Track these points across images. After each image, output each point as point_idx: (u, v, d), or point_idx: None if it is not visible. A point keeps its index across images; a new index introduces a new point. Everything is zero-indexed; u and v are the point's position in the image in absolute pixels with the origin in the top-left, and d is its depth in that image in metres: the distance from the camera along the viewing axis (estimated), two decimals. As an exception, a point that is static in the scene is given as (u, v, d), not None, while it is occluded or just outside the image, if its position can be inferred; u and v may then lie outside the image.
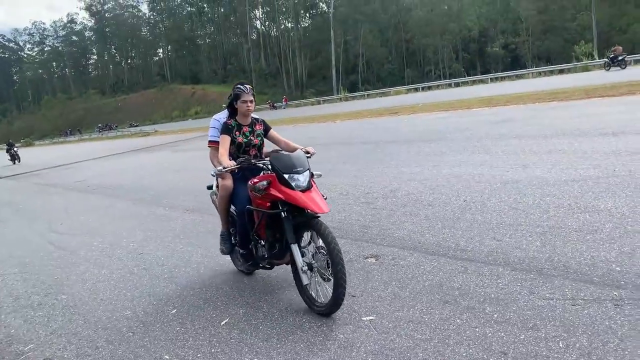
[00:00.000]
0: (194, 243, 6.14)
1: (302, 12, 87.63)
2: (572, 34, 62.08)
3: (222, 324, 3.75)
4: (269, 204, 3.69)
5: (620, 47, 32.86)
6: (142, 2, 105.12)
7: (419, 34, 74.84)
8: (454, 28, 71.90)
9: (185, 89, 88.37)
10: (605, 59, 33.49)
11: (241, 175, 4.20)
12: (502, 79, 45.89)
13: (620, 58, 31.03)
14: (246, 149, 4.29)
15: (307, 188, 3.54)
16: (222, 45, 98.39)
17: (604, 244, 4.06)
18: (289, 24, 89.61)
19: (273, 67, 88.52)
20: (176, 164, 16.18)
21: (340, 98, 53.70)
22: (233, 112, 4.32)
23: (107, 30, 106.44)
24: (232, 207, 4.32)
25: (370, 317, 3.45)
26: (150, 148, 26.11)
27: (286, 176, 3.53)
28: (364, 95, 54.90)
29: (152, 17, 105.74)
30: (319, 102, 55.19)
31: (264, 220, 3.84)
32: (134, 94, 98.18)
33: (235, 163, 3.94)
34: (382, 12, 76.76)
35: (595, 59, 40.11)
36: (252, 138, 4.30)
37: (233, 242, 4.54)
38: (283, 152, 4.05)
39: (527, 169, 7.13)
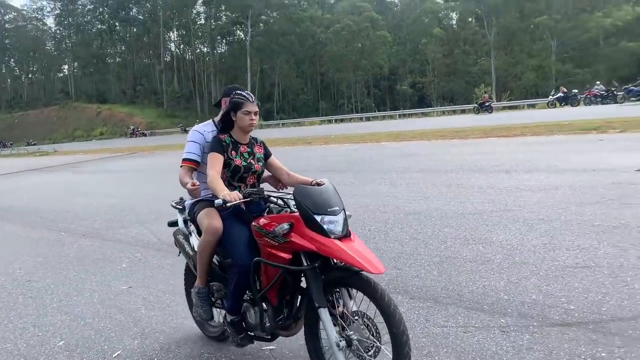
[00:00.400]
0: (89, 270, 5.77)
1: (218, 37, 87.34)
2: (473, 77, 66.77)
3: (114, 356, 3.52)
4: (289, 256, 2.70)
5: (487, 95, 39.65)
6: (48, 16, 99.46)
7: (333, 68, 77.11)
8: (366, 65, 74.84)
9: (91, 108, 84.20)
10: (475, 104, 38.70)
11: (232, 211, 3.05)
12: (410, 115, 48.31)
13: (487, 104, 36.44)
14: (244, 175, 3.21)
15: (345, 235, 2.62)
16: (132, 65, 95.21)
17: (494, 274, 4.31)
18: (205, 49, 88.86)
19: (186, 90, 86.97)
20: (76, 186, 15.27)
21: (261, 125, 53.74)
22: (226, 125, 3.27)
23: (6, 42, 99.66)
24: (216, 257, 3.27)
25: (271, 347, 3.40)
26: (49, 168, 24.48)
27: (318, 218, 2.59)
28: (279, 124, 55.35)
29: (58, 31, 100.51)
30: (233, 129, 54.74)
31: (280, 279, 2.80)
32: (33, 110, 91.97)
33: (239, 195, 2.83)
34: (298, 45, 78.35)
35: (494, 101, 43.35)
36: (252, 162, 3.25)
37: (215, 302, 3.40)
38: (306, 185, 2.98)
39: (428, 201, 7.47)
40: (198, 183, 3.05)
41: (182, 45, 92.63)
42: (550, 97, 35.91)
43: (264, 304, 2.95)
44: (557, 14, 60.77)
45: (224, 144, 3.18)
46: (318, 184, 2.96)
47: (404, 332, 2.40)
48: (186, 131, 55.81)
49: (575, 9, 61.74)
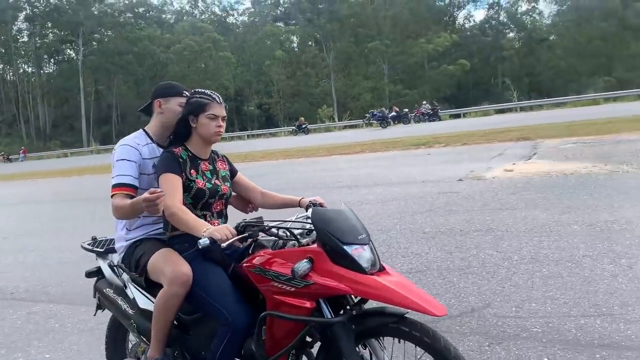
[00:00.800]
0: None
1: (45, 56, 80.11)
2: (316, 99, 69.71)
3: None
4: (312, 305, 2.01)
5: (303, 118, 44.19)
6: None
7: (176, 88, 75.08)
8: (210, 85, 73.85)
9: None
10: (293, 127, 43.19)
11: (197, 251, 2.25)
12: (258, 136, 48.88)
13: (303, 126, 41.33)
14: (209, 201, 2.46)
15: (380, 269, 2.03)
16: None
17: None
18: (30, 69, 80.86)
19: (8, 114, 77.96)
20: None
21: (92, 150, 50.06)
22: (180, 136, 2.49)
23: None
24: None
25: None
26: None
27: (348, 249, 1.97)
28: (119, 148, 52.23)
29: None
30: (65, 155, 50.49)
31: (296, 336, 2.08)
32: None
33: (231, 229, 2.11)
34: (137, 64, 75.04)
35: (335, 121, 45.75)
36: (217, 182, 2.51)
37: None
38: (322, 207, 2.43)
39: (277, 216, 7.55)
40: (160, 190, 2.15)
41: (1, 65, 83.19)
42: (367, 115, 39.89)
43: None
44: (386, 39, 66.19)
45: (180, 160, 2.40)
46: (320, 204, 2.44)
47: None
48: (9, 160, 50.02)
49: (402, 35, 67.82)
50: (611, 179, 7.99)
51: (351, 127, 43.26)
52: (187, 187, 2.38)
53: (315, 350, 2.26)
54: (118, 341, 2.91)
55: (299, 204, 2.63)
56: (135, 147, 2.54)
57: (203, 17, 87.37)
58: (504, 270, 4.45)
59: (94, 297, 2.83)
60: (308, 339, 2.18)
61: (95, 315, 2.97)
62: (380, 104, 60.58)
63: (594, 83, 47.37)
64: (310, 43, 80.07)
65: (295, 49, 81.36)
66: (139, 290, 2.52)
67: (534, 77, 62.33)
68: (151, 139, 2.64)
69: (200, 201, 2.43)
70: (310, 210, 2.25)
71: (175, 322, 2.41)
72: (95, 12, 74.78)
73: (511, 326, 3.39)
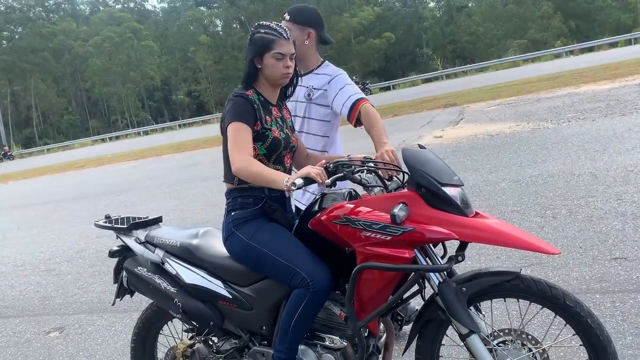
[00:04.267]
0: None
1: (-51, 59, 74.46)
2: (245, 82, 68.87)
3: None
4: (411, 254, 1.79)
5: (6, 147, 46.60)
6: None
7: (99, 82, 71.78)
8: (135, 77, 71.41)
9: None
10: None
11: (260, 209, 2.12)
12: (190, 124, 47.63)
13: (8, 154, 43.66)
14: (282, 152, 2.20)
15: (473, 212, 1.84)
16: None
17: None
18: None
19: None
20: None
21: (13, 155, 47.27)
22: (250, 78, 2.19)
23: None
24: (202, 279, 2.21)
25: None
26: None
27: (447, 190, 1.79)
28: (44, 150, 49.60)
29: None
30: (-15, 162, 47.41)
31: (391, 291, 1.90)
32: None
33: (322, 170, 1.88)
34: (54, 61, 71.10)
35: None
36: (288, 132, 2.24)
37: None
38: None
39: (215, 208, 7.46)
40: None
41: None
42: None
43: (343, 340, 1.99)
44: (311, 16, 65.98)
45: (255, 106, 2.11)
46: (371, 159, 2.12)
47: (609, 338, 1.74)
48: None
49: (326, 11, 67.73)
50: (533, 136, 8.41)
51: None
52: (262, 135, 2.11)
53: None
54: (147, 342, 2.54)
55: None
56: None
57: (118, 6, 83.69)
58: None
59: (115, 282, 2.52)
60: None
61: (113, 304, 2.60)
62: (311, 82, 60.70)
63: (509, 46, 49.29)
64: (234, 25, 78.54)
65: (220, 33, 79.60)
66: (181, 265, 2.26)
67: (456, 45, 64.06)
68: None
69: (275, 152, 2.16)
70: (401, 150, 1.93)
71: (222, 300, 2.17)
72: (2, 8, 70.01)
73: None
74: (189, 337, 2.41)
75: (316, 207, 2.01)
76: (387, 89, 40.49)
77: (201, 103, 75.03)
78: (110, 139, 49.15)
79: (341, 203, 1.92)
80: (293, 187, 1.80)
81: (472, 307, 1.86)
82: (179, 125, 48.43)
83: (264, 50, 2.10)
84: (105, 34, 69.22)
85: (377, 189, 1.95)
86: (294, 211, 2.36)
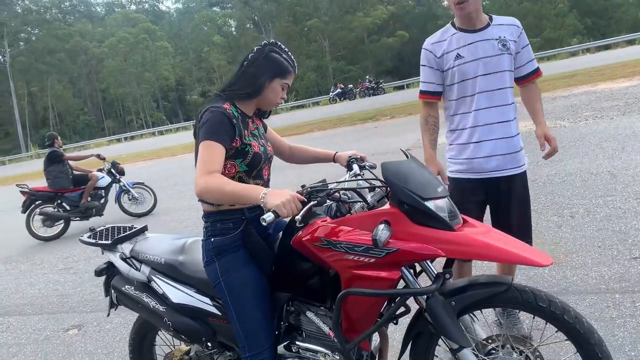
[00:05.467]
0: None
1: (-32, 61, 75.69)
2: (261, 82, 69.06)
3: None
4: (397, 274, 1.72)
5: None
6: None
7: (114, 83, 72.53)
8: (150, 77, 72.01)
9: None
10: None
11: (239, 234, 2.03)
12: (204, 124, 47.83)
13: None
14: (262, 166, 2.10)
15: (460, 222, 1.78)
16: None
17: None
18: (-46, 75, 76.20)
19: (-64, 125, 73.70)
20: None
21: (32, 156, 47.94)
22: (256, 94, 2.06)
23: None
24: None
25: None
26: None
27: (430, 205, 1.70)
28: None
29: None
30: (3, 163, 48.12)
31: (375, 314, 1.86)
32: None
33: (297, 198, 1.75)
34: (70, 62, 71.95)
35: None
36: (264, 143, 2.16)
37: None
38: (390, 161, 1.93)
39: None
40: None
41: None
42: (331, 93, 38.97)
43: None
44: (325, 16, 65.93)
45: (233, 121, 1.96)
46: (362, 158, 2.17)
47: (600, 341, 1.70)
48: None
49: (340, 11, 67.67)
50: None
51: (297, 107, 43.13)
52: (242, 152, 1.99)
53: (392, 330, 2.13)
54: (145, 351, 2.57)
55: (333, 159, 2.38)
56: (429, 49, 2.60)
57: (133, 7, 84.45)
58: (456, 233, 4.58)
59: (106, 296, 2.47)
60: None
61: (108, 315, 2.60)
62: (325, 81, 60.67)
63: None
64: (248, 25, 78.80)
65: (234, 33, 79.98)
66: (168, 284, 2.20)
67: (471, 43, 63.68)
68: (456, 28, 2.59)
69: (256, 168, 2.05)
70: (381, 165, 1.87)
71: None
72: (19, 10, 70.96)
73: (466, 285, 3.51)
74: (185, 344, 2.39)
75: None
76: (401, 88, 40.32)
77: (215, 103, 75.32)
78: (126, 139, 49.54)
79: (318, 221, 1.85)
80: (264, 223, 1.68)
81: (466, 316, 1.85)
82: (193, 126, 48.68)
83: (278, 75, 2.04)
84: (120, 35, 69.90)
85: (357, 205, 1.91)
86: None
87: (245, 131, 2.02)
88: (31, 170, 26.94)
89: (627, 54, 22.63)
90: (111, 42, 69.79)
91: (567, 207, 4.68)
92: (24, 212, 7.90)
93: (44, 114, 73.55)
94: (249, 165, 2.02)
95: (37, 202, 7.89)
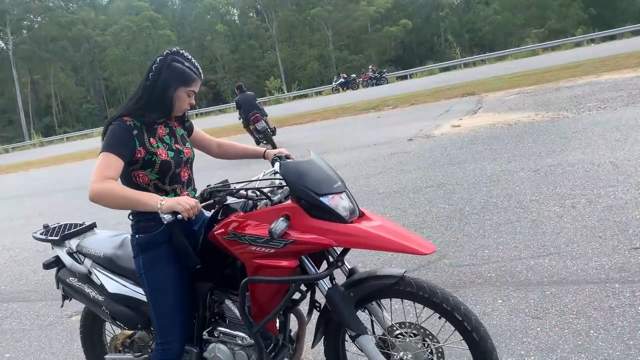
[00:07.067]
0: None
1: (-29, 48, 75.50)
2: (263, 71, 68.66)
3: None
4: (295, 263, 1.92)
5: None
6: None
7: (117, 71, 72.40)
8: (153, 66, 71.92)
9: None
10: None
11: (162, 233, 2.11)
12: (207, 114, 47.87)
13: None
14: (176, 171, 2.16)
15: (360, 215, 1.98)
16: None
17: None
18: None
19: (-61, 113, 73.75)
20: None
21: (35, 144, 48.03)
22: (169, 107, 2.12)
23: None
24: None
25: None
26: None
27: (325, 200, 1.89)
28: (63, 139, 50.28)
29: None
30: (6, 151, 48.20)
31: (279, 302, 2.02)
32: None
33: (191, 199, 1.93)
34: (73, 50, 71.79)
35: (284, 92, 45.26)
36: (178, 147, 2.20)
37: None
38: (290, 160, 2.33)
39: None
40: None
41: None
42: (333, 83, 38.85)
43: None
44: (328, 5, 65.50)
45: (134, 133, 2.03)
46: (287, 157, 2.34)
47: (486, 334, 1.87)
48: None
49: (343, -1, 67.29)
50: (553, 125, 8.29)
51: (300, 97, 43.02)
52: (149, 162, 2.06)
53: (305, 309, 2.29)
54: (95, 334, 2.76)
55: (264, 156, 2.47)
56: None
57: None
58: (457, 222, 4.60)
59: (57, 287, 2.65)
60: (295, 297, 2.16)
61: (62, 306, 2.87)
62: (328, 71, 60.41)
63: (529, 35, 48.42)
64: (251, 14, 78.43)
65: (237, 22, 79.62)
66: (105, 275, 2.41)
67: (474, 33, 63.19)
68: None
69: (168, 174, 2.12)
70: (277, 164, 2.14)
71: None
72: (22, -2, 70.67)
73: (466, 274, 3.53)
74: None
75: (219, 217, 2.12)
76: (404, 77, 40.16)
77: (218, 92, 75.18)
78: (128, 127, 49.54)
79: (232, 217, 2.03)
80: (164, 221, 1.86)
81: (368, 305, 2.04)
82: (197, 114, 48.66)
83: (182, 84, 2.10)
84: (123, 23, 69.62)
85: (262, 203, 2.07)
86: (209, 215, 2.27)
87: (152, 139, 2.09)
88: (37, 157, 27.02)
89: (632, 45, 22.48)
90: (114, 30, 69.56)
91: (568, 198, 4.69)
92: None
93: (47, 102, 73.54)
94: (159, 173, 2.10)
95: None
